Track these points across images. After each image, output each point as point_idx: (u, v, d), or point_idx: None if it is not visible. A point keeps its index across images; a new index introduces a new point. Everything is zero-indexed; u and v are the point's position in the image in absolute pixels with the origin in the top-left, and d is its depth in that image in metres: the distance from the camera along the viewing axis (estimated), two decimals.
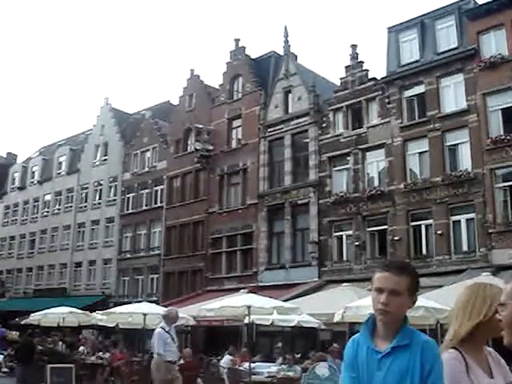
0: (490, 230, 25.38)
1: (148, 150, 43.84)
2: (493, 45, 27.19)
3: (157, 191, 42.06)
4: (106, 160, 47.41)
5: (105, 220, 45.54)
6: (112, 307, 28.03)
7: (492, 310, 3.09)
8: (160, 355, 13.20)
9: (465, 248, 26.48)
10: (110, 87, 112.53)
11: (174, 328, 14.22)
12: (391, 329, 3.02)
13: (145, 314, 20.33)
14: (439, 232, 26.71)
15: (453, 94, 28.10)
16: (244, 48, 39.00)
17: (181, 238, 38.95)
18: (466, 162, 26.98)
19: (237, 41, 39.40)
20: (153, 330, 23.45)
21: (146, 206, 42.38)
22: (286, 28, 36.37)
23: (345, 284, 23.03)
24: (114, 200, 45.34)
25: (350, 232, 30.19)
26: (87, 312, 25.51)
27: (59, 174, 52.30)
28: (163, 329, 13.55)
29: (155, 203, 41.78)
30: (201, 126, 38.55)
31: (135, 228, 42.79)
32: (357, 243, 29.43)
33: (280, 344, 25.85)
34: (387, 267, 3.07)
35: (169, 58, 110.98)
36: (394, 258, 27.38)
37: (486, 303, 3.14)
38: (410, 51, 30.32)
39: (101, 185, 47.09)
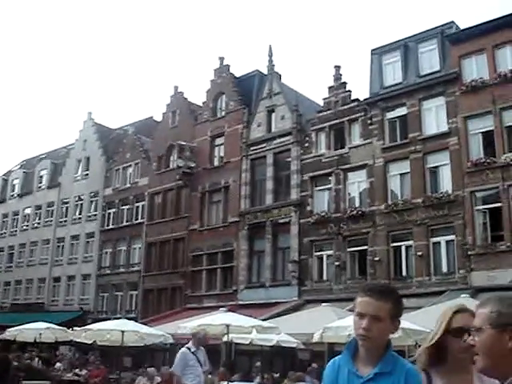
0: (469, 252, 25.54)
1: (130, 165, 43.69)
2: (474, 69, 27.53)
3: (138, 207, 41.87)
4: (87, 175, 47.18)
5: (85, 235, 45.23)
6: (90, 323, 27.68)
7: (439, 331, 3.17)
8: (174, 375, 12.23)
9: (444, 270, 26.62)
10: (94, 102, 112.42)
11: (203, 350, 12.79)
12: (373, 354, 2.98)
13: (123, 331, 20.13)
14: (419, 253, 26.82)
15: (434, 117, 28.37)
16: (228, 66, 39.12)
17: (161, 254, 38.77)
18: (446, 184, 27.19)
19: (221, 59, 39.51)
20: (131, 347, 23.53)
21: (127, 221, 42.17)
22: (270, 47, 36.61)
23: (324, 304, 22.98)
24: (95, 215, 45.09)
25: (331, 252, 30.23)
26: (65, 328, 25.26)
27: (40, 187, 51.92)
28: (188, 349, 12.41)
29: (136, 219, 41.58)
30: (183, 143, 38.52)
31: (115, 244, 42.52)
32: (337, 263, 29.46)
33: (259, 363, 25.72)
34: (369, 292, 3.01)
35: (153, 74, 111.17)
36: (375, 279, 27.49)
37: (437, 326, 3.21)
38: (393, 73, 30.58)
39: (81, 200, 46.79)
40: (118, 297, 40.97)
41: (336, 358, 3.17)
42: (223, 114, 38.01)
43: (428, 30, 30.30)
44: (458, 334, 3.21)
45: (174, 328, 21.75)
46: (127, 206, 42.54)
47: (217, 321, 19.02)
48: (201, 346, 12.43)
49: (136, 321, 27.53)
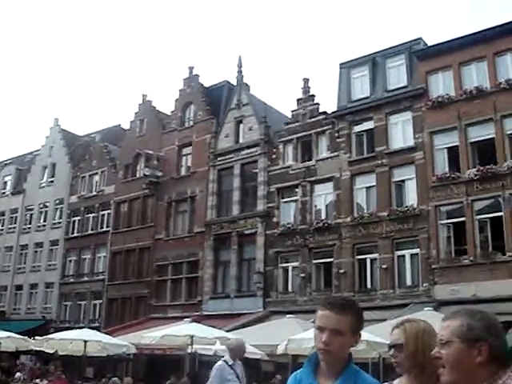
0: (433, 266, 25.83)
1: (96, 173, 43.34)
2: (441, 85, 27.93)
3: (103, 215, 41.52)
4: (52, 182, 46.66)
5: (49, 243, 44.68)
6: (53, 332, 27.44)
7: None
8: None
9: (408, 283, 26.84)
10: (61, 108, 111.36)
11: (241, 363, 11.29)
12: (334, 367, 2.94)
13: (85, 341, 19.98)
14: (384, 266, 27.03)
15: (401, 131, 28.68)
16: (197, 76, 39.10)
17: (126, 263, 38.47)
18: (411, 197, 27.47)
19: (191, 68, 39.49)
20: (93, 357, 23.28)
21: (92, 230, 41.77)
22: (240, 58, 36.74)
23: (289, 316, 23.02)
24: (60, 223, 44.58)
25: (296, 264, 30.29)
26: (26, 337, 24.88)
27: (4, 193, 51.22)
28: (226, 362, 10.91)
29: (101, 228, 41.21)
30: (151, 152, 38.36)
31: (80, 252, 42.07)
32: (302, 275, 29.53)
33: None
34: (329, 305, 2.97)
35: (121, 81, 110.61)
36: (340, 291, 27.64)
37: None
38: (361, 87, 30.84)
39: (46, 207, 46.25)
40: (81, 306, 40.47)
41: (297, 371, 3.14)
42: (191, 123, 37.93)
43: (396, 46, 30.65)
44: (389, 348, 3.27)
45: (138, 338, 21.63)
46: (93, 214, 42.16)
47: (181, 332, 18.99)
48: (238, 358, 11.11)
49: (99, 330, 27.31)
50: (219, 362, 10.94)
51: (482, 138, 26.17)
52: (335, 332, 2.90)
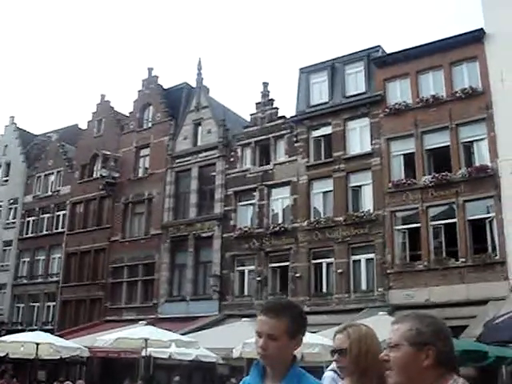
0: (388, 271, 26.13)
1: (52, 173, 42.77)
2: (398, 92, 28.30)
3: (59, 216, 40.97)
4: (7, 181, 45.83)
5: (2, 243, 43.84)
6: (4, 335, 26.96)
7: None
8: None
9: (364, 287, 27.09)
10: (17, 106, 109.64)
11: None
12: (278, 371, 2.96)
13: (37, 344, 19.68)
14: (339, 271, 27.23)
15: (358, 137, 28.96)
16: (157, 77, 38.89)
17: (81, 265, 38.00)
18: (368, 203, 27.74)
19: (150, 70, 39.26)
20: (46, 360, 22.93)
21: (47, 230, 41.18)
22: (199, 60, 36.69)
23: (244, 319, 23.02)
24: (13, 223, 43.83)
25: (253, 267, 30.33)
26: None
27: None
28: (336, 373, 8.66)
29: (56, 228, 40.65)
30: (108, 153, 38.00)
31: (34, 253, 41.41)
32: (258, 278, 29.58)
33: (178, 378, 25.53)
34: (265, 310, 2.99)
35: (80, 80, 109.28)
36: (296, 295, 27.70)
37: None
38: (320, 93, 31.05)
39: (0, 206, 45.47)
40: (34, 308, 39.83)
41: (247, 377, 3.16)
42: (150, 125, 37.71)
43: (355, 53, 30.90)
44: (332, 353, 3.33)
45: (91, 341, 21.40)
46: (48, 215, 41.58)
47: (135, 334, 18.83)
48: None
49: (52, 333, 26.90)
50: (329, 373, 9.07)
51: (438, 146, 26.57)
52: (271, 337, 2.91)
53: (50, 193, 42.17)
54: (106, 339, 19.26)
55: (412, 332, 2.38)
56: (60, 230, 40.36)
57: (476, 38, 26.51)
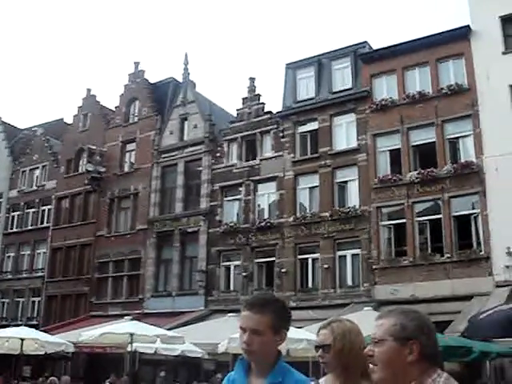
0: (373, 266, 26.23)
1: (37, 167, 42.51)
2: (384, 88, 28.39)
3: (44, 211, 40.73)
4: None
5: None
6: None
7: None
8: None
9: (349, 282, 27.20)
10: (1, 100, 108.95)
11: None
12: (263, 366, 2.97)
13: (22, 339, 19.59)
14: (325, 266, 27.30)
15: (344, 133, 29.02)
16: (143, 72, 38.74)
17: (66, 260, 37.83)
18: (354, 199, 27.82)
19: (136, 64, 39.10)
20: (30, 355, 22.82)
21: (32, 225, 40.94)
22: (186, 55, 36.61)
23: (230, 314, 23.02)
24: None
25: (238, 262, 30.34)
26: None
27: None
28: None
29: (41, 223, 40.44)
30: (94, 148, 37.83)
31: (18, 248, 41.17)
32: (244, 274, 29.59)
33: (163, 373, 25.55)
34: (248, 306, 3.01)
35: (65, 74, 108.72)
36: (281, 290, 27.78)
37: None
38: (307, 88, 31.07)
39: None
40: (19, 303, 39.56)
41: (231, 372, 3.16)
42: (136, 119, 37.59)
43: (342, 49, 30.94)
44: (316, 349, 3.35)
45: (77, 336, 21.32)
46: (33, 210, 41.34)
47: (120, 329, 18.78)
48: None
49: (37, 328, 26.84)
50: None
51: (424, 142, 26.69)
52: (255, 332, 2.93)
53: (35, 187, 41.92)
54: (91, 334, 19.20)
55: (396, 327, 2.38)
56: (45, 224, 40.15)
57: (462, 34, 26.62)
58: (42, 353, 21.64)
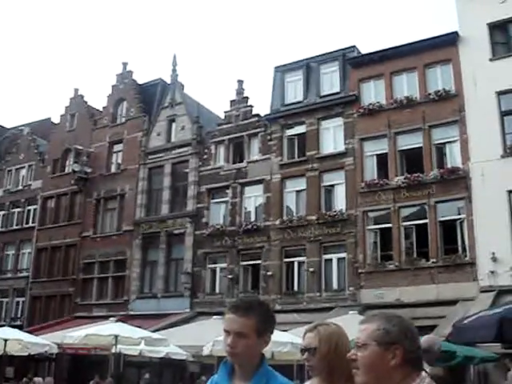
0: (359, 270, 26.28)
1: (23, 167, 42.28)
2: (372, 93, 28.47)
3: (29, 211, 40.52)
4: None
5: None
6: None
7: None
8: None
9: (335, 286, 27.24)
10: None
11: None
12: (247, 369, 2.97)
13: (5, 340, 19.48)
14: (311, 269, 27.33)
15: (332, 137, 29.08)
16: (131, 72, 38.66)
17: (51, 260, 37.64)
18: (340, 202, 27.87)
19: (124, 64, 39.02)
20: (14, 356, 22.66)
21: (17, 225, 40.71)
22: (174, 57, 36.55)
23: (216, 317, 22.95)
24: None
25: (224, 265, 30.33)
26: None
27: None
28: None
29: (27, 223, 40.21)
30: (80, 148, 37.71)
31: (3, 248, 40.89)
32: (230, 276, 29.56)
33: (148, 375, 25.45)
34: (233, 308, 3.00)
35: (53, 74, 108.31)
36: (267, 293, 27.78)
37: None
38: (295, 92, 31.11)
39: None
40: (3, 303, 39.31)
41: (215, 375, 3.15)
42: (123, 120, 37.50)
43: (330, 53, 31.02)
44: (302, 352, 3.35)
45: (61, 337, 21.21)
46: (18, 209, 41.11)
47: (105, 331, 18.72)
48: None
49: (21, 329, 26.67)
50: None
51: (411, 147, 26.77)
52: (239, 335, 2.92)
53: (20, 187, 41.69)
54: (76, 336, 19.12)
55: (379, 332, 2.39)
56: (31, 224, 39.94)
57: (450, 40, 26.75)
58: (26, 354, 21.54)
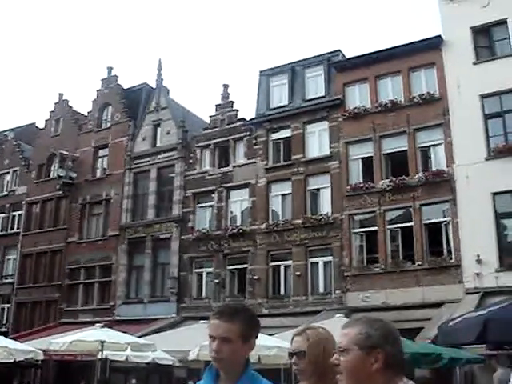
0: (345, 273, 26.33)
1: (8, 172, 42.04)
2: (357, 97, 28.58)
3: (14, 216, 40.26)
4: None
5: None
6: None
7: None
8: None
9: (321, 290, 27.28)
10: None
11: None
12: (232, 374, 2.97)
13: None
14: (297, 273, 27.35)
15: (317, 140, 29.15)
16: (116, 77, 38.55)
17: (37, 266, 37.39)
18: (326, 206, 27.94)
19: (109, 69, 38.90)
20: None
21: (2, 231, 40.39)
22: (160, 61, 36.49)
23: (202, 321, 22.90)
24: None
25: (211, 269, 30.28)
26: None
27: None
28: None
29: (12, 229, 39.95)
30: (66, 153, 37.52)
31: None
32: (216, 281, 29.52)
33: (134, 380, 25.35)
34: (218, 314, 3.01)
35: (37, 78, 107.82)
36: (254, 297, 27.81)
37: None
38: (280, 96, 31.18)
39: None
40: None
41: (200, 381, 3.15)
42: (108, 125, 37.38)
43: (315, 57, 31.11)
44: (290, 356, 3.36)
45: (47, 344, 21.06)
46: (3, 215, 40.82)
47: (91, 337, 18.57)
48: None
49: (7, 336, 26.44)
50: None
51: (396, 150, 26.89)
52: (224, 340, 2.93)
53: (5, 192, 41.44)
54: (61, 342, 18.95)
55: (361, 336, 2.40)
56: (15, 230, 39.68)
57: (434, 44, 26.89)
58: (11, 360, 21.31)
